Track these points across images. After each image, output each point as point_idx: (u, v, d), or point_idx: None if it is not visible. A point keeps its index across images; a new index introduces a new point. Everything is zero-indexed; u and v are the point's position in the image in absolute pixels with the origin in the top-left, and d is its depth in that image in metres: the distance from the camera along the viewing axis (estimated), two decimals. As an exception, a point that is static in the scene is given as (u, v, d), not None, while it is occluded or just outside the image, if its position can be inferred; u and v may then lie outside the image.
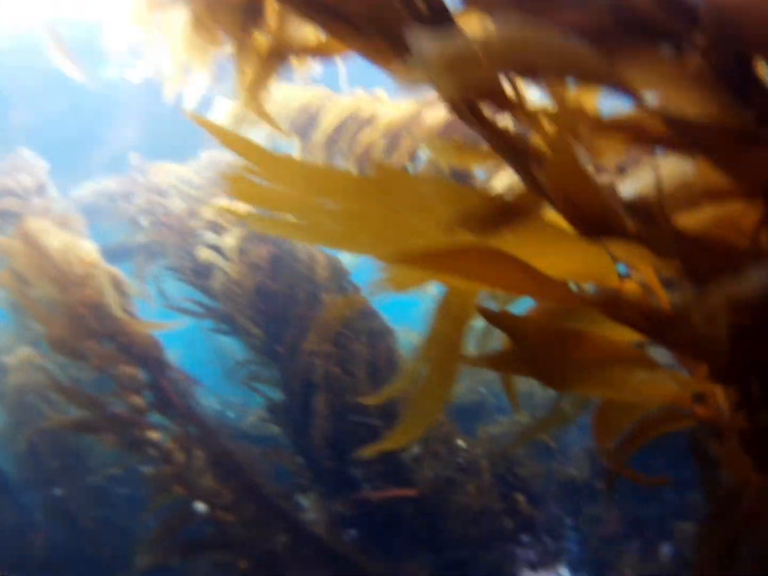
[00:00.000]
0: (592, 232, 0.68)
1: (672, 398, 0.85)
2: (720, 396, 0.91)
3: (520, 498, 3.70)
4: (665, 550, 3.07)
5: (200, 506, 3.43)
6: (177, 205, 4.86)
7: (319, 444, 3.03)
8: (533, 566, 3.24)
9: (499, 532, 3.23)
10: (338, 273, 3.20)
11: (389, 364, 3.17)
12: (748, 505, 0.83)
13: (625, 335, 0.88)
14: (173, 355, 6.61)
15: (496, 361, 0.77)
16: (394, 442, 0.95)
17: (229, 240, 3.28)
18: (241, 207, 0.89)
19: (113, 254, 5.54)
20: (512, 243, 0.84)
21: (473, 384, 5.32)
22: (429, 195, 0.79)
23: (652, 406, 0.93)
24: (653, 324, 0.69)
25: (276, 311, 3.17)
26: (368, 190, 0.79)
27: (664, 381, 0.84)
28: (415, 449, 3.53)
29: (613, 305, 0.71)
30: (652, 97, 0.65)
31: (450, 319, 0.82)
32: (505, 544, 3.21)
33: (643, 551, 3.13)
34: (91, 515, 4.78)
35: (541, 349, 0.76)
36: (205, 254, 3.36)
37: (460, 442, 3.64)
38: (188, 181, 4.90)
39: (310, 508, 3.86)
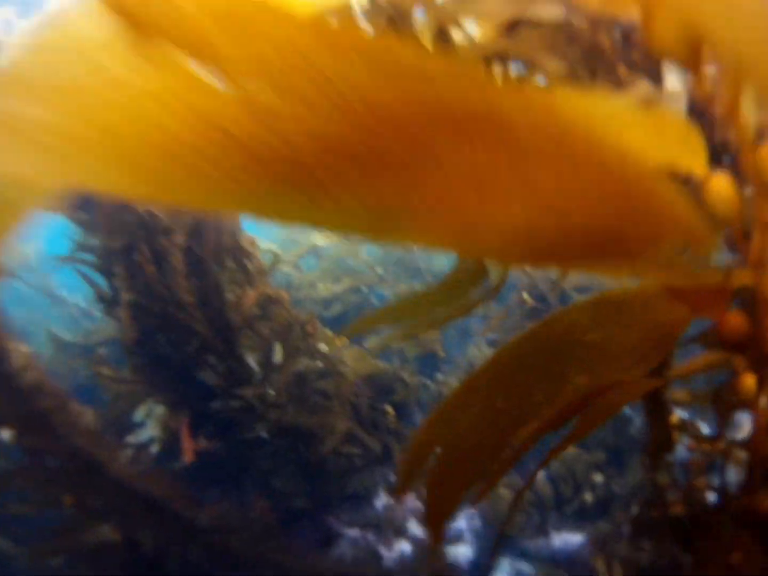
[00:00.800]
0: None
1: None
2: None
3: (390, 411, 3.40)
4: (540, 475, 2.89)
5: (4, 433, 2.85)
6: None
7: (131, 348, 2.48)
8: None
9: (364, 452, 2.90)
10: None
11: (220, 252, 2.59)
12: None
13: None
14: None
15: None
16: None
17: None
18: None
19: None
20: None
21: (355, 283, 4.62)
22: None
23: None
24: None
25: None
26: None
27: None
28: (276, 353, 3.07)
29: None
30: None
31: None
32: (369, 465, 2.89)
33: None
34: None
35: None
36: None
37: (323, 347, 3.20)
38: None
39: (154, 424, 3.32)
